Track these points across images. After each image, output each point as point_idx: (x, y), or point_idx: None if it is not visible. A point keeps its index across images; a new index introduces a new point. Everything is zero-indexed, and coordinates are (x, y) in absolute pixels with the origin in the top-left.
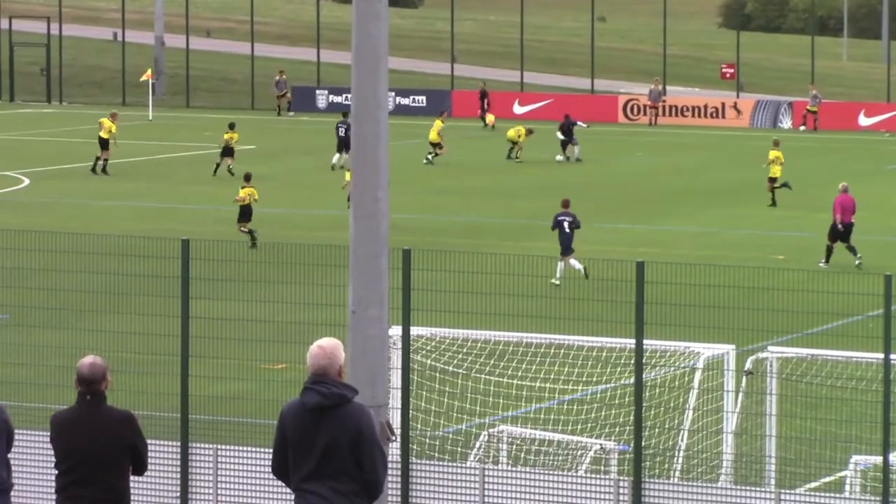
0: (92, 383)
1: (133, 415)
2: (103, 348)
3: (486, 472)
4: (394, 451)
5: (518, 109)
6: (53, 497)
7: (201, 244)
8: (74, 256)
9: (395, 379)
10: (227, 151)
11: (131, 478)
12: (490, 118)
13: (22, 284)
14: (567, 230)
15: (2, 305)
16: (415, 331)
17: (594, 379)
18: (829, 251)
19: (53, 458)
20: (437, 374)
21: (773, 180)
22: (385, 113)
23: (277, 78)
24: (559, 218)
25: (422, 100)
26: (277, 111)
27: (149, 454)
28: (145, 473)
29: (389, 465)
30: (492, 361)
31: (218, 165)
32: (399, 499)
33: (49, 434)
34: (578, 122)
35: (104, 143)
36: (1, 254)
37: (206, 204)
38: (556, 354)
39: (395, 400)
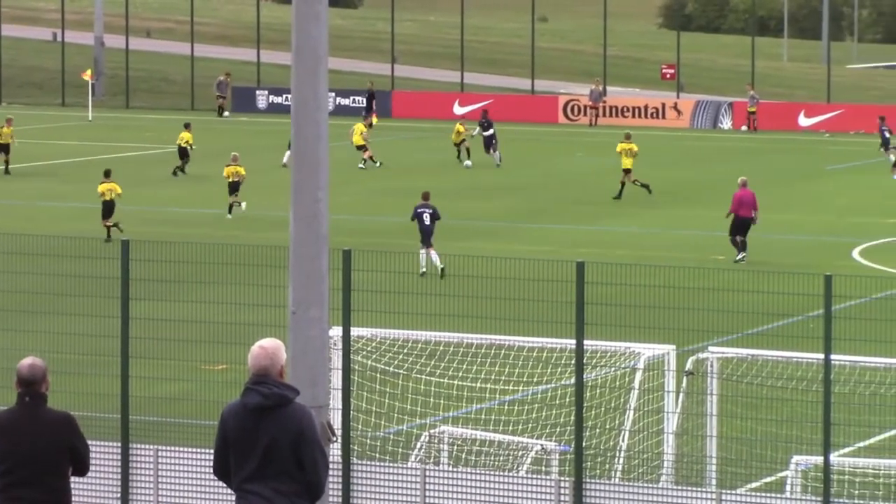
0: (32, 385)
1: (72, 416)
2: (43, 349)
3: (427, 473)
4: (335, 451)
5: (458, 110)
6: None
7: (141, 245)
8: (11, 257)
9: (336, 380)
10: (183, 152)
11: (72, 479)
12: (373, 120)
13: None
14: (427, 221)
15: None
16: (355, 331)
17: (535, 379)
18: (736, 244)
19: None
20: (378, 375)
21: (627, 171)
22: (325, 113)
23: (221, 79)
24: (419, 210)
25: (362, 100)
26: (218, 112)
27: (90, 455)
28: (86, 474)
29: (331, 466)
30: (432, 362)
31: (178, 167)
32: (340, 499)
33: None
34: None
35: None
36: None
37: (146, 205)
38: (496, 355)
39: (336, 401)
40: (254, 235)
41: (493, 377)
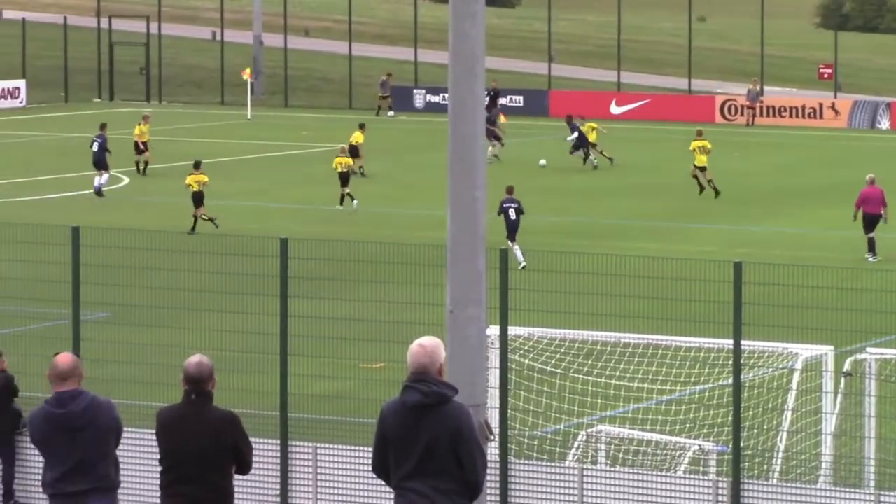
0: (199, 382)
1: (237, 416)
2: (205, 346)
3: (585, 473)
4: (492, 450)
5: (615, 109)
6: (158, 494)
7: (300, 243)
8: (174, 255)
9: (493, 378)
10: (354, 152)
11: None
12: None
13: (122, 283)
14: (513, 217)
15: (102, 304)
16: (512, 330)
17: (692, 379)
18: (870, 242)
19: (157, 456)
20: (535, 374)
21: (703, 169)
22: (482, 113)
23: (384, 78)
24: (505, 205)
25: (519, 99)
26: (377, 111)
27: (252, 454)
28: (248, 473)
29: (488, 465)
30: (589, 361)
31: (359, 168)
32: (498, 498)
33: (154, 430)
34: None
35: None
36: (101, 252)
37: (305, 203)
38: (653, 355)
39: (494, 399)
40: (412, 234)
41: (650, 377)
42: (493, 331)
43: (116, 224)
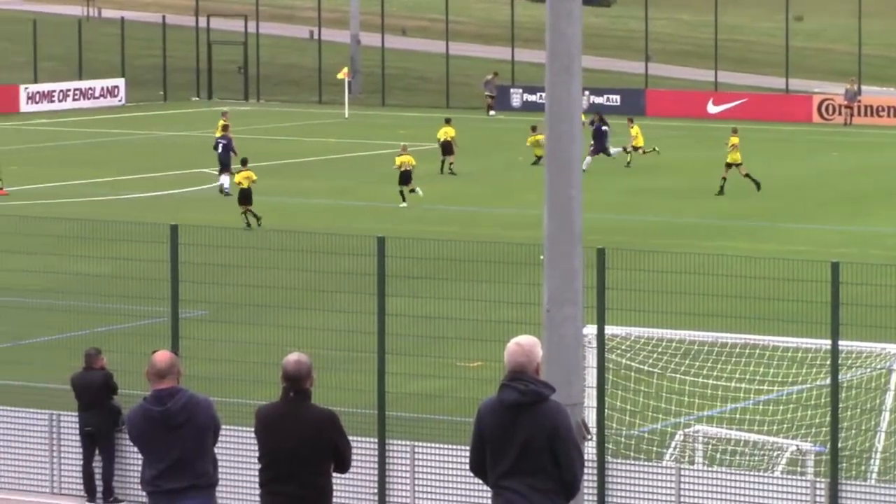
0: (297, 381)
1: (336, 415)
2: (302, 344)
3: (682, 472)
4: (590, 450)
5: (712, 109)
6: (256, 492)
7: (397, 241)
8: (271, 253)
9: (590, 378)
10: (447, 149)
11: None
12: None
13: (220, 281)
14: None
15: (201, 301)
16: (609, 330)
17: (790, 379)
18: None
19: (256, 454)
20: (632, 374)
21: (729, 166)
22: (579, 112)
23: (489, 77)
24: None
25: (616, 99)
26: (487, 110)
27: (351, 453)
28: (347, 471)
29: (585, 464)
30: (686, 361)
31: (443, 163)
32: (595, 498)
33: (253, 427)
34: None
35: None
36: (199, 250)
37: (400, 202)
38: (751, 354)
39: (591, 399)
40: (508, 233)
41: (747, 377)
42: (590, 330)
43: (214, 222)
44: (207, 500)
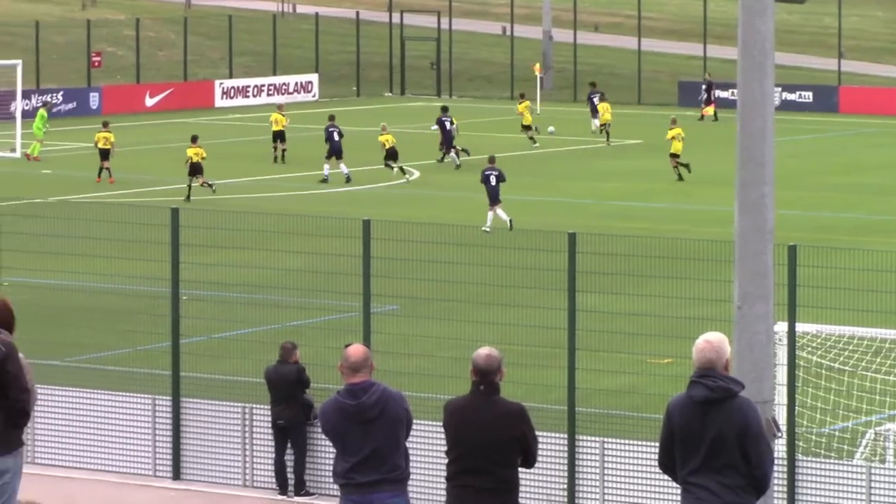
0: (487, 374)
1: (525, 408)
2: (492, 340)
3: (873, 471)
4: (780, 447)
5: None
6: (444, 486)
7: (586, 237)
8: (462, 249)
9: (781, 375)
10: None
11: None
12: (708, 110)
13: (411, 276)
14: (493, 183)
15: (392, 296)
16: (800, 327)
17: None
18: None
19: (445, 447)
20: (823, 371)
21: (674, 156)
22: (771, 108)
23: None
24: (486, 172)
25: (808, 95)
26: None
27: (538, 447)
28: (534, 466)
29: (775, 461)
30: (878, 359)
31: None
32: (785, 495)
33: (441, 421)
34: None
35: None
36: (391, 245)
37: (588, 198)
38: None
39: (781, 396)
40: (698, 230)
41: None
42: (781, 327)
43: (405, 217)
44: (399, 494)
